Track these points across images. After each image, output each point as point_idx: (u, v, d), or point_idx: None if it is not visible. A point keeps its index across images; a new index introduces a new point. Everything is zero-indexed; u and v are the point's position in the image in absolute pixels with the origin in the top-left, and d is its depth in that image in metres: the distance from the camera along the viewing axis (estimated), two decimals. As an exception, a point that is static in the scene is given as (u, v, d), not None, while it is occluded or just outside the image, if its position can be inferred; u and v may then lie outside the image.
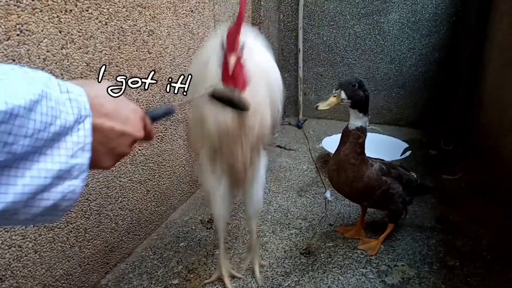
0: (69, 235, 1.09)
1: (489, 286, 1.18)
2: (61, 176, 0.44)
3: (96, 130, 0.48)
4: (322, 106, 1.22)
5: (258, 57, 1.00)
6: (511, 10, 1.70)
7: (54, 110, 0.42)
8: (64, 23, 0.99)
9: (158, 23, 1.38)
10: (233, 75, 0.92)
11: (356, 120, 1.28)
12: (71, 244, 1.10)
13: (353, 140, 1.27)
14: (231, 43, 0.90)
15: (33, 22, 0.91)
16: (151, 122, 0.61)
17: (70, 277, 1.12)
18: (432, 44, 2.50)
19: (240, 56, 0.93)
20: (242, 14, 0.92)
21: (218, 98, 0.76)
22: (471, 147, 2.25)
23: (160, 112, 0.65)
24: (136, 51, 1.28)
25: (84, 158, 0.46)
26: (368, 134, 2.27)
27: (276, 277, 1.24)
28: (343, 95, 1.21)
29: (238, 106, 0.77)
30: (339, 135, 2.24)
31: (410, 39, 2.54)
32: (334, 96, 1.22)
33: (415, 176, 1.42)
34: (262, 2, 2.30)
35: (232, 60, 0.89)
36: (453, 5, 2.39)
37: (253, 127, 1.01)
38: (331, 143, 2.11)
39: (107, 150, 0.52)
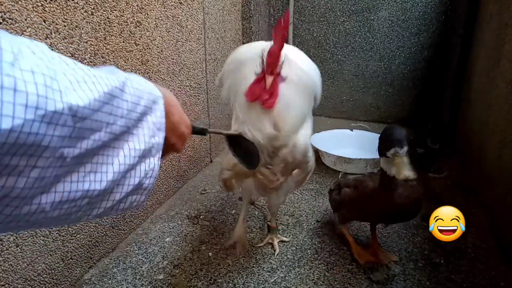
0: (52, 228, 1.07)
1: (473, 283, 1.19)
2: (145, 155, 0.47)
3: (167, 114, 0.51)
4: None
5: (299, 72, 1.01)
6: (500, 10, 1.71)
7: (138, 91, 0.46)
8: (49, 12, 0.96)
9: (146, 14, 1.35)
10: (268, 91, 0.94)
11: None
12: (53, 238, 1.08)
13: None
14: (271, 64, 0.92)
15: (16, 10, 0.88)
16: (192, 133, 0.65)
17: (53, 271, 1.10)
18: (421, 42, 2.52)
19: (277, 75, 0.94)
20: (284, 32, 0.92)
21: (242, 142, 0.82)
22: (457, 145, 2.27)
23: (197, 129, 0.69)
24: (123, 42, 1.25)
25: (160, 137, 0.50)
26: (356, 131, 2.31)
27: (262, 273, 1.23)
28: None
29: (253, 158, 0.84)
30: (328, 132, 2.27)
31: (399, 37, 2.54)
32: None
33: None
34: (252, -4, 2.29)
35: (269, 80, 0.92)
36: (442, 4, 2.41)
37: (284, 157, 1.04)
38: (319, 139, 2.11)
39: (176, 134, 0.56)
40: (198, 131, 0.69)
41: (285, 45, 1.00)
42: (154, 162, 0.49)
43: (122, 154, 0.44)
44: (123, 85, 0.43)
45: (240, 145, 0.84)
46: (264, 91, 0.94)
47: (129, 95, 0.44)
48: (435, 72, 2.54)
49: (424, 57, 2.54)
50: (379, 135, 1.99)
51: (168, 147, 0.55)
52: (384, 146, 1.07)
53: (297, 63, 1.01)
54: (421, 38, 2.50)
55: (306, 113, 1.06)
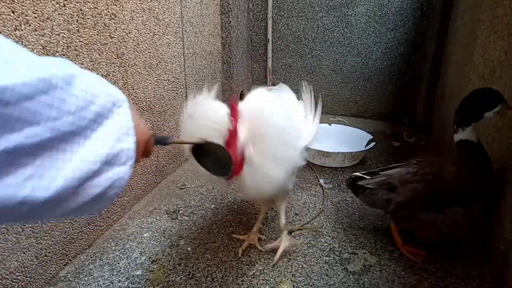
0: (25, 225, 1.05)
1: (447, 272, 1.22)
2: (109, 161, 0.42)
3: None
4: None
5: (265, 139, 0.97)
6: (473, 6, 1.75)
7: (93, 88, 0.40)
8: (18, 3, 0.94)
9: (121, 7, 1.33)
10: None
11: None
12: (26, 235, 1.06)
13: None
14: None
15: (-17, -1, 0.85)
16: (154, 143, 0.66)
17: (26, 269, 1.07)
18: (397, 38, 2.55)
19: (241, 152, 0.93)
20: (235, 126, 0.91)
21: (209, 150, 0.78)
22: (432, 139, 2.32)
23: (163, 140, 0.71)
24: (97, 35, 1.23)
25: (130, 142, 0.45)
26: (334, 126, 2.33)
27: (241, 266, 1.24)
28: None
29: (223, 165, 0.79)
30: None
31: (376, 33, 2.58)
32: None
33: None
34: (231, -10, 2.27)
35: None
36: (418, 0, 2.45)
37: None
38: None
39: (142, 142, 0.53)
40: (159, 140, 0.69)
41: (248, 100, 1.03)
42: (124, 170, 0.44)
43: (78, 158, 0.38)
44: (72, 78, 0.38)
45: (206, 153, 0.80)
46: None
47: (79, 90, 0.39)
48: (411, 67, 2.58)
49: (400, 52, 2.58)
50: (357, 129, 1.97)
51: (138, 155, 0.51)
52: (485, 106, 1.07)
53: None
54: (397, 33, 2.54)
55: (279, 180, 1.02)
